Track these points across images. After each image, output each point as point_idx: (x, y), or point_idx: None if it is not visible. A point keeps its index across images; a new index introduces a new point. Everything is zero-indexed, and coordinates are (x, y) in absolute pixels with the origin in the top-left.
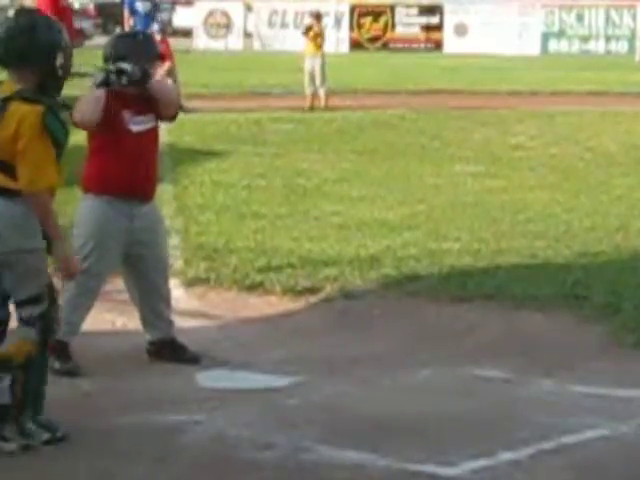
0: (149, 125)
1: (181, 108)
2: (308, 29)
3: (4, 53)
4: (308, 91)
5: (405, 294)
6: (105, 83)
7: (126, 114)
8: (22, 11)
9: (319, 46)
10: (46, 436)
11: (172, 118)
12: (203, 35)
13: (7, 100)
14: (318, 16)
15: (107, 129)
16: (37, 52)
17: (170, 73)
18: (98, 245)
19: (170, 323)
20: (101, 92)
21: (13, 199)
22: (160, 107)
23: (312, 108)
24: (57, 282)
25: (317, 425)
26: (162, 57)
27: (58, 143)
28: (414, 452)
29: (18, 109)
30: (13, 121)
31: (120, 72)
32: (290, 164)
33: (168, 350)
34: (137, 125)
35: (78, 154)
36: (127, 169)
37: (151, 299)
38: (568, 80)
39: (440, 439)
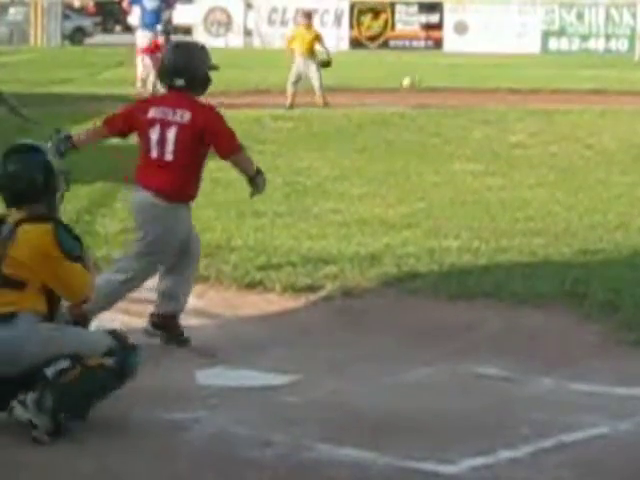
0: None
1: None
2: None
3: (10, 198)
4: (290, 89)
5: (405, 292)
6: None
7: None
8: (11, 150)
9: (313, 48)
10: (51, 428)
11: None
12: (203, 33)
13: (17, 224)
14: (309, 15)
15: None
16: (39, 190)
17: None
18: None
19: (175, 301)
20: None
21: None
22: None
23: (292, 106)
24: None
25: (317, 423)
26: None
27: (74, 256)
28: (414, 450)
29: (29, 231)
30: (26, 245)
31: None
32: (290, 162)
33: (162, 325)
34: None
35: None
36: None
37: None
38: (568, 78)
39: (440, 437)
